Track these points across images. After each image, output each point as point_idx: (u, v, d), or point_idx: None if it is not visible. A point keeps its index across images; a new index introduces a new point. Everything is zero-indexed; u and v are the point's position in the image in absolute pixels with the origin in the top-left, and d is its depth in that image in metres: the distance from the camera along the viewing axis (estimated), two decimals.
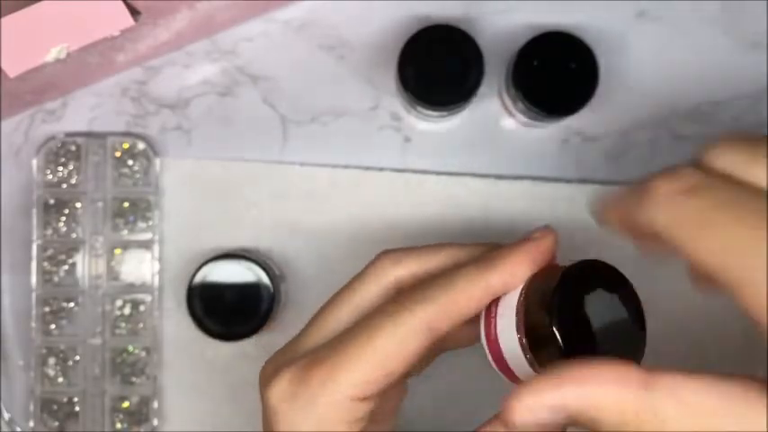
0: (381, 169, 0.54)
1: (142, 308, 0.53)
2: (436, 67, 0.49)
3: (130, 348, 0.53)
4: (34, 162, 0.53)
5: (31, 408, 0.53)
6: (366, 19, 0.53)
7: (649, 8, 0.54)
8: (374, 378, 0.36)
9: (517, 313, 0.36)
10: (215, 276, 0.50)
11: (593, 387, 0.28)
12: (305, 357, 0.38)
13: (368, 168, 0.54)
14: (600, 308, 0.34)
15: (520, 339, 0.36)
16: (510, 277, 0.37)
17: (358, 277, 0.41)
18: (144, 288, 0.53)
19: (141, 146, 0.53)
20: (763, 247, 0.26)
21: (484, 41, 0.50)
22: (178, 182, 0.54)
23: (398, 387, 0.43)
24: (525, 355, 0.36)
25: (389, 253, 0.41)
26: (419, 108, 0.51)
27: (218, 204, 0.54)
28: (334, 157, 0.54)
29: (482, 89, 0.50)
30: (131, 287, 0.53)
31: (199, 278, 0.50)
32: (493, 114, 0.54)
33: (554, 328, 0.33)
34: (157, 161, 0.53)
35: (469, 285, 0.37)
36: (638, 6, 0.54)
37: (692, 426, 0.26)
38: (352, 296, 0.41)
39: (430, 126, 0.54)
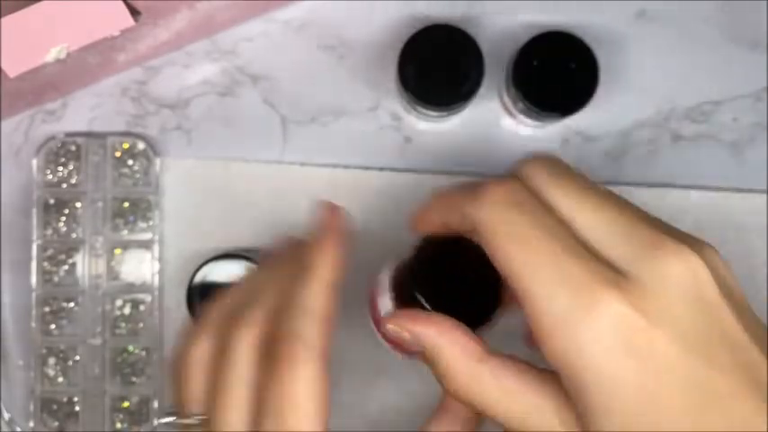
0: (381, 169, 0.54)
1: (142, 308, 0.53)
2: (436, 67, 0.49)
3: (130, 348, 0.53)
4: (34, 162, 0.53)
5: (31, 408, 0.53)
6: (366, 19, 0.53)
7: (649, 8, 0.54)
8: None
9: (389, 279, 0.41)
10: (215, 276, 0.50)
11: (442, 337, 0.35)
12: None
13: (368, 168, 0.54)
14: (456, 274, 0.38)
15: (392, 297, 0.40)
16: (333, 270, 0.39)
17: None
18: (144, 288, 0.53)
19: (141, 146, 0.53)
20: (541, 270, 0.32)
21: (484, 41, 0.50)
22: (178, 182, 0.54)
23: None
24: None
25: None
26: (419, 108, 0.51)
27: (218, 204, 0.54)
28: (334, 157, 0.54)
29: (482, 89, 0.50)
30: (131, 287, 0.53)
31: (199, 278, 0.50)
32: (493, 114, 0.54)
33: (415, 284, 0.37)
34: (157, 161, 0.53)
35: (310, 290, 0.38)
36: (638, 6, 0.54)
37: (499, 404, 0.34)
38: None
39: (430, 126, 0.54)
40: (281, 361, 0.35)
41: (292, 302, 0.37)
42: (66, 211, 0.53)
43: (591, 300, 0.30)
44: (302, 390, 0.35)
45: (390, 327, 0.36)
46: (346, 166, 0.54)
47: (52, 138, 0.53)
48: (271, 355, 0.35)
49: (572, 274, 0.31)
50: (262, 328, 0.36)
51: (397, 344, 0.44)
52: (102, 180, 0.53)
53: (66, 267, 0.53)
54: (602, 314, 0.30)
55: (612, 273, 0.31)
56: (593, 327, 0.30)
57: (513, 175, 0.35)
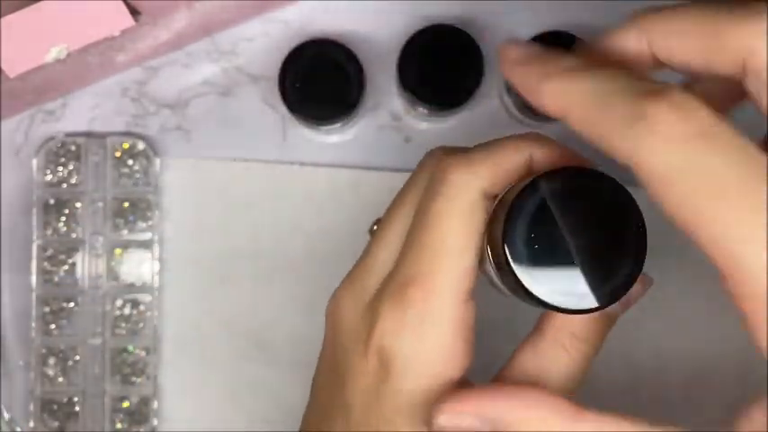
0: (381, 169, 0.54)
1: (142, 308, 0.53)
2: (436, 67, 0.49)
3: (130, 348, 0.53)
4: (34, 162, 0.53)
5: (31, 408, 0.53)
6: (366, 19, 0.53)
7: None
8: (467, 266, 0.33)
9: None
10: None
11: (529, 410, 0.31)
12: (394, 279, 0.34)
13: (368, 168, 0.54)
14: (570, 221, 0.31)
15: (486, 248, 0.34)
16: (557, 156, 0.34)
17: (412, 175, 0.37)
18: (144, 288, 0.53)
19: (141, 146, 0.53)
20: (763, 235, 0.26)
21: (484, 41, 0.50)
22: (178, 182, 0.54)
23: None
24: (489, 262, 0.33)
25: (441, 147, 0.36)
26: (419, 108, 0.51)
27: (218, 204, 0.54)
28: (335, 157, 0.54)
29: (482, 89, 0.50)
30: (131, 287, 0.53)
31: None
32: (493, 114, 0.54)
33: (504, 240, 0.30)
34: (157, 161, 0.53)
35: (513, 148, 0.34)
36: (638, 6, 0.54)
37: None
38: (410, 195, 0.36)
39: (430, 126, 0.54)
40: (448, 183, 0.33)
41: (493, 142, 0.35)
42: (66, 211, 0.53)
43: None
44: (449, 230, 0.33)
45: (445, 418, 0.32)
46: (346, 166, 0.54)
47: (52, 138, 0.54)
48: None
49: None
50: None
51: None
52: (102, 180, 0.53)
53: (66, 267, 0.53)
54: None
55: None
56: None
57: None
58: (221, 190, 0.54)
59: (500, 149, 0.34)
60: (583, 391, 0.54)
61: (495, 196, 0.33)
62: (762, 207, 0.26)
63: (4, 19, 0.44)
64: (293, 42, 0.50)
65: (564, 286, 0.30)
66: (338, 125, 0.51)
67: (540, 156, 0.34)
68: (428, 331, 0.33)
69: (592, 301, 0.30)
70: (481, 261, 0.34)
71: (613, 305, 0.31)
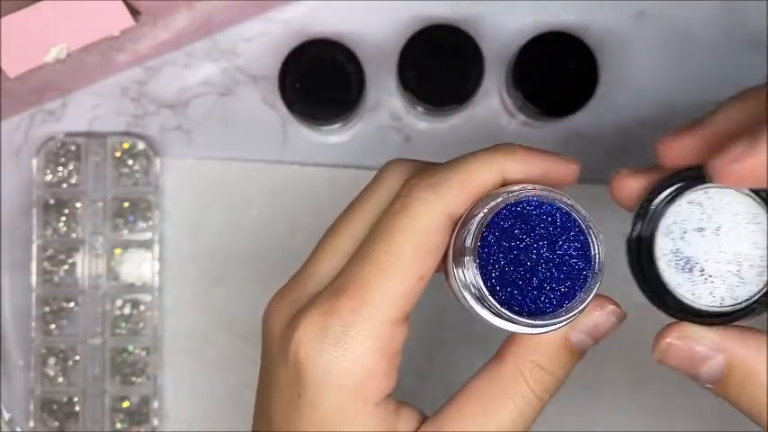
0: None
1: (142, 308, 0.53)
2: (436, 67, 0.49)
3: (130, 348, 0.53)
4: (34, 162, 0.53)
5: (31, 408, 0.53)
6: (366, 19, 0.53)
7: (649, 8, 0.54)
8: (409, 288, 0.32)
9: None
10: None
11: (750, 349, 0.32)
12: (327, 289, 0.33)
13: (368, 168, 0.54)
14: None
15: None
16: (528, 166, 0.33)
17: (369, 186, 0.36)
18: (144, 288, 0.53)
19: (141, 146, 0.53)
20: None
21: (484, 41, 0.50)
22: (178, 182, 0.54)
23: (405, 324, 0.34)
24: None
25: (400, 159, 0.36)
26: (419, 108, 0.51)
27: (218, 204, 0.54)
28: (334, 157, 0.54)
29: (482, 89, 0.50)
30: (131, 287, 0.53)
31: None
32: (493, 114, 0.54)
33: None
34: (157, 161, 0.53)
35: (480, 165, 0.33)
36: (638, 6, 0.54)
37: None
38: (364, 207, 0.35)
39: (430, 126, 0.54)
40: (412, 200, 0.32)
41: (462, 158, 0.33)
42: (66, 211, 0.53)
43: None
44: (405, 244, 0.32)
45: (677, 338, 0.33)
46: (346, 166, 0.54)
47: (52, 138, 0.53)
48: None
49: None
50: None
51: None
52: (102, 180, 0.53)
53: (66, 267, 0.53)
54: None
55: None
56: None
57: None
58: (221, 190, 0.54)
59: (468, 168, 0.32)
60: (584, 391, 0.54)
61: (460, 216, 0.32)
62: None
63: (4, 19, 0.44)
64: (293, 42, 0.50)
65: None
66: (338, 125, 0.51)
67: (512, 170, 0.33)
68: (350, 345, 0.31)
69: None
70: (446, 276, 0.33)
71: (580, 336, 0.33)
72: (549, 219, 0.31)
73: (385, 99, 0.54)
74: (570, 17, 0.53)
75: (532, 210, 0.31)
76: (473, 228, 0.31)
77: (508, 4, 0.53)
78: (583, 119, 0.52)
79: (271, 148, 0.54)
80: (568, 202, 0.31)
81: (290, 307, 0.33)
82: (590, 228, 0.31)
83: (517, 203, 0.31)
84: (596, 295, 0.31)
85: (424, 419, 0.34)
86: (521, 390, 0.33)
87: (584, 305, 0.31)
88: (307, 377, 0.32)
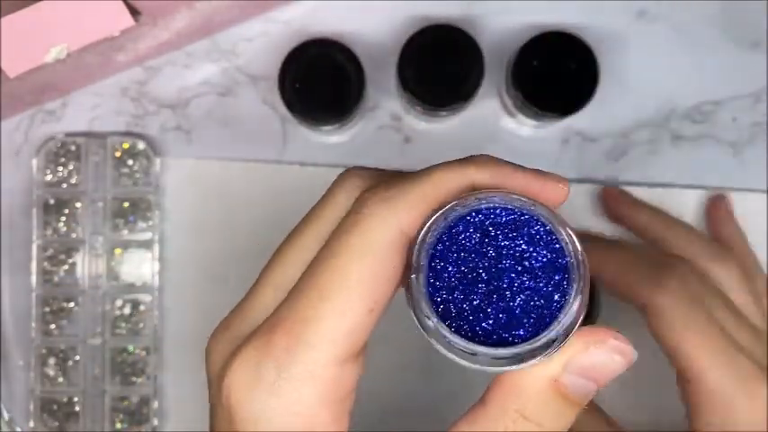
0: None
1: (142, 308, 0.53)
2: (436, 67, 0.49)
3: (130, 348, 0.53)
4: (34, 162, 0.53)
5: (31, 408, 0.53)
6: (366, 19, 0.53)
7: (649, 8, 0.54)
8: (357, 322, 0.27)
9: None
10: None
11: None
12: (264, 323, 0.28)
13: None
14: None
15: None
16: (495, 174, 0.28)
17: (319, 201, 0.32)
18: (144, 288, 0.53)
19: (141, 146, 0.53)
20: (715, 359, 0.42)
21: (484, 41, 0.50)
22: (178, 182, 0.54)
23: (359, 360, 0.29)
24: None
25: (356, 168, 0.32)
26: (419, 108, 0.51)
27: (218, 204, 0.54)
28: (334, 157, 0.54)
29: (482, 89, 0.50)
30: (131, 287, 0.53)
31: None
32: (493, 114, 0.54)
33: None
34: (157, 161, 0.53)
35: (444, 177, 0.28)
36: (638, 6, 0.54)
37: None
38: (313, 226, 0.31)
39: (430, 126, 0.54)
40: (363, 216, 0.28)
41: (419, 171, 0.30)
42: (67, 211, 0.53)
43: (754, 389, 0.42)
44: (352, 268, 0.27)
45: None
46: (346, 167, 0.54)
47: (52, 138, 0.53)
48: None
49: (741, 366, 0.42)
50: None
51: None
52: (102, 180, 0.53)
53: (66, 267, 0.53)
54: (761, 400, 0.41)
55: (760, 370, 0.42)
56: (754, 409, 0.41)
57: (678, 258, 0.46)
58: (221, 190, 0.54)
59: (430, 181, 0.28)
60: None
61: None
62: (713, 336, 0.42)
63: (4, 19, 0.44)
64: (293, 42, 0.50)
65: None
66: (338, 125, 0.51)
67: (481, 182, 0.28)
68: (284, 388, 0.27)
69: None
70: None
71: (574, 380, 0.27)
72: (514, 227, 0.27)
73: (385, 99, 0.54)
74: (570, 17, 0.53)
75: (495, 218, 0.27)
76: (418, 243, 0.26)
77: (508, 4, 0.53)
78: (582, 119, 0.52)
79: (271, 148, 0.54)
80: (532, 202, 0.26)
81: (229, 343, 0.30)
82: (558, 230, 0.26)
83: (476, 212, 0.27)
84: (593, 327, 0.27)
85: None
86: None
87: (561, 328, 0.26)
88: (238, 426, 0.28)
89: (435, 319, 0.26)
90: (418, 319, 0.26)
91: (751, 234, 0.54)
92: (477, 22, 0.53)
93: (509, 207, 0.26)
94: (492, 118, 0.54)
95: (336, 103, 0.50)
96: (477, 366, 0.26)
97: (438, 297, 0.26)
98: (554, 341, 0.25)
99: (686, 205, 0.54)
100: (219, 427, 0.29)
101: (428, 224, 0.27)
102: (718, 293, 0.46)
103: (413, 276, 0.26)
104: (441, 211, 0.27)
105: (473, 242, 0.26)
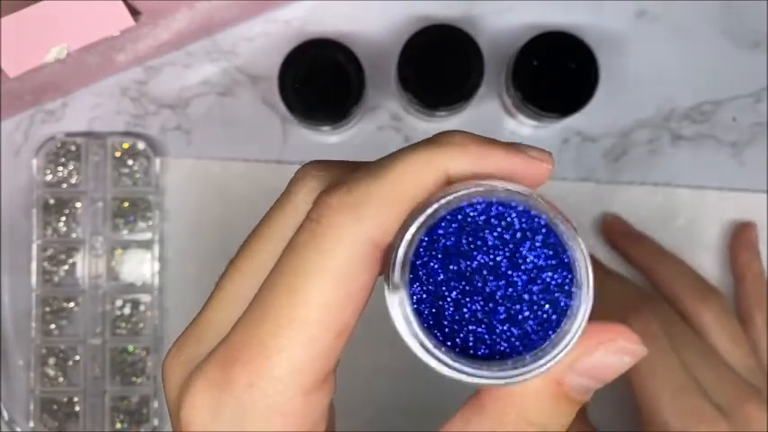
0: None
1: (142, 308, 0.53)
2: (436, 67, 0.49)
3: (130, 348, 0.53)
4: (34, 162, 0.53)
5: (31, 408, 0.53)
6: (366, 19, 0.53)
7: (649, 8, 0.54)
8: (322, 348, 0.24)
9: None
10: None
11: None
12: (217, 349, 0.25)
13: None
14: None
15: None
16: (471, 159, 0.24)
17: (275, 203, 0.29)
18: (144, 288, 0.53)
19: (141, 146, 0.53)
20: (666, 397, 0.45)
21: (484, 41, 0.50)
22: (178, 182, 0.54)
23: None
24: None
25: (315, 163, 0.29)
26: (419, 108, 0.51)
27: (218, 204, 0.54)
28: (334, 156, 0.54)
29: (482, 89, 0.50)
30: (131, 287, 0.53)
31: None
32: (493, 114, 0.54)
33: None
34: (157, 161, 0.53)
35: (414, 170, 0.24)
36: (638, 6, 0.54)
37: None
38: (268, 233, 0.28)
39: (430, 126, 0.54)
40: (324, 226, 0.24)
41: (384, 159, 0.25)
42: (67, 211, 0.53)
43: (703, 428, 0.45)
44: (314, 288, 0.24)
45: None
46: None
47: (52, 138, 0.53)
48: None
49: (689, 406, 0.45)
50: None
51: None
52: (102, 180, 0.53)
53: (66, 267, 0.53)
54: None
55: (718, 412, 0.45)
56: None
57: (644, 298, 0.48)
58: (221, 190, 0.54)
59: (397, 176, 0.24)
60: None
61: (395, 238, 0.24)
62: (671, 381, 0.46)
63: (4, 19, 0.44)
64: (293, 42, 0.50)
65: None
66: (338, 125, 0.51)
67: (459, 171, 0.24)
68: (248, 426, 0.24)
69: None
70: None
71: (578, 380, 0.25)
72: (504, 223, 0.23)
73: (385, 99, 0.54)
74: (570, 17, 0.53)
75: (478, 215, 0.23)
76: (398, 254, 0.23)
77: (508, 4, 0.53)
78: (582, 119, 0.52)
79: (271, 148, 0.54)
80: (522, 192, 0.23)
81: (184, 367, 0.26)
82: (557, 223, 0.23)
83: (457, 211, 0.23)
84: (602, 324, 0.24)
85: None
86: None
87: (569, 337, 0.23)
88: None
89: (431, 344, 0.23)
90: (405, 339, 0.23)
91: None
92: (477, 22, 0.53)
93: (496, 201, 0.23)
94: (492, 118, 0.54)
95: (336, 103, 0.50)
96: (483, 381, 0.23)
97: (426, 310, 0.23)
98: (566, 346, 0.23)
99: (686, 205, 0.54)
100: None
101: (407, 238, 0.23)
102: (686, 332, 0.48)
103: (396, 297, 0.23)
104: (419, 220, 0.23)
105: (458, 246, 0.23)
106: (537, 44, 0.49)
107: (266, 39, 0.54)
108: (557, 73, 0.49)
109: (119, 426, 0.53)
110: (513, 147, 0.25)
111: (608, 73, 0.51)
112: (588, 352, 0.25)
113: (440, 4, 0.53)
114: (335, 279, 0.24)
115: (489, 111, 0.54)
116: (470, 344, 0.23)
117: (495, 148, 0.25)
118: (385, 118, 0.54)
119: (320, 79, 0.50)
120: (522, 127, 0.54)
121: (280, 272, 0.25)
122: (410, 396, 0.54)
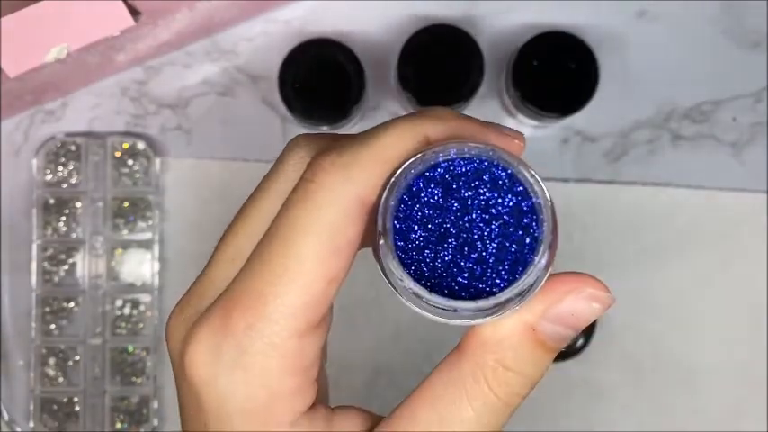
0: None
1: (142, 308, 0.53)
2: (436, 67, 0.49)
3: (130, 348, 0.53)
4: (34, 162, 0.53)
5: (31, 408, 0.53)
6: (366, 19, 0.53)
7: (649, 8, 0.54)
8: (315, 295, 0.27)
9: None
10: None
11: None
12: (218, 301, 0.29)
13: None
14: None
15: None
16: (449, 125, 0.28)
17: (270, 171, 0.31)
18: (144, 288, 0.53)
19: (141, 146, 0.53)
20: None
21: (484, 41, 0.50)
22: (178, 182, 0.54)
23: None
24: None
25: (305, 135, 0.31)
26: (419, 108, 0.51)
27: (218, 204, 0.54)
28: None
29: (482, 89, 0.50)
30: (131, 287, 0.53)
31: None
32: (493, 114, 0.54)
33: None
34: (157, 161, 0.53)
35: (397, 135, 0.27)
36: (638, 6, 0.54)
37: None
38: (263, 197, 0.31)
39: None
40: (317, 185, 0.27)
41: (373, 130, 0.28)
42: (67, 211, 0.53)
43: None
44: (308, 242, 0.27)
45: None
46: None
47: (52, 138, 0.53)
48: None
49: None
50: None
51: None
52: (102, 180, 0.53)
53: (66, 267, 0.53)
54: None
55: None
56: None
57: None
58: (221, 190, 0.54)
59: (383, 141, 0.27)
60: (583, 391, 0.54)
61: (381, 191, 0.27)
62: None
63: (4, 19, 0.44)
64: (293, 42, 0.50)
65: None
66: (338, 125, 0.51)
67: (436, 136, 0.27)
68: (248, 366, 0.27)
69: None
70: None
71: (550, 327, 0.27)
72: (475, 176, 0.26)
73: (385, 99, 0.54)
74: (570, 17, 0.53)
75: (455, 170, 0.26)
76: (381, 208, 0.26)
77: (508, 4, 0.53)
78: (582, 119, 0.52)
79: (271, 148, 0.54)
80: (490, 147, 0.26)
81: (187, 322, 0.30)
82: (522, 170, 0.26)
83: (434, 167, 0.26)
84: (570, 273, 0.27)
85: (374, 422, 0.30)
86: (481, 394, 0.28)
87: (538, 271, 0.25)
88: (206, 405, 0.28)
89: (411, 282, 0.25)
90: (391, 282, 0.26)
91: (751, 234, 0.54)
92: (477, 22, 0.53)
93: (467, 156, 0.26)
94: (492, 118, 0.54)
95: (336, 103, 0.50)
96: (457, 322, 0.26)
97: (409, 259, 0.26)
98: (532, 285, 0.25)
99: (686, 205, 0.54)
100: (187, 401, 0.29)
101: (388, 187, 0.26)
102: None
103: (381, 242, 0.26)
104: (399, 170, 0.26)
105: (436, 198, 0.26)
106: (537, 44, 0.49)
107: (266, 39, 0.54)
108: (557, 73, 0.49)
109: (119, 426, 0.53)
110: (489, 123, 0.28)
111: (608, 73, 0.51)
112: (559, 299, 0.27)
113: (440, 4, 0.53)
114: (327, 232, 0.26)
115: (489, 111, 0.54)
116: (450, 286, 0.26)
117: (471, 122, 0.28)
118: (385, 118, 0.54)
119: (320, 79, 0.50)
120: (522, 127, 0.54)
121: (276, 227, 0.27)
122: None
